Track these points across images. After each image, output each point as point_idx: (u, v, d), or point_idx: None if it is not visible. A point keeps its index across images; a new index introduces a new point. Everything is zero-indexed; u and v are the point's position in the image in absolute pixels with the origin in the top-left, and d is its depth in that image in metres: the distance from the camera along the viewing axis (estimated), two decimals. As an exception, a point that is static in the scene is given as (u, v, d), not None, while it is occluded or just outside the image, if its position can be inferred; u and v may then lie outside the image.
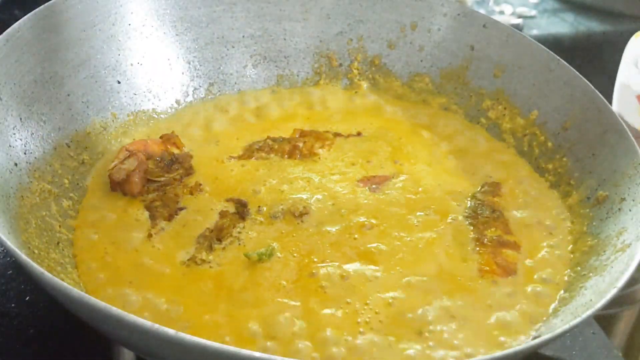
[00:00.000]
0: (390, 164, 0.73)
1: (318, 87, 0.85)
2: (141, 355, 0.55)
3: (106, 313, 0.41)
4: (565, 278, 0.61)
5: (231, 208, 0.66)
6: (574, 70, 0.74)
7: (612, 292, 0.50)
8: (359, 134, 0.78)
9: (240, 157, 0.73)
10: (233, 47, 0.83)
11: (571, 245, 0.64)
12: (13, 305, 0.62)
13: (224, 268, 0.60)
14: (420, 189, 0.70)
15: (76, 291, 0.43)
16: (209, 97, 0.82)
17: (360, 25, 0.85)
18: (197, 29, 0.81)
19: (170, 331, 0.40)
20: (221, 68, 0.83)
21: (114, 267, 0.59)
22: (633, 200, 0.61)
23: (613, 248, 0.58)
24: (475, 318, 0.56)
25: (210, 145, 0.75)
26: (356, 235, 0.63)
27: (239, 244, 0.62)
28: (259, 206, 0.66)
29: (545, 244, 0.64)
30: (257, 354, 0.40)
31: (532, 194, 0.71)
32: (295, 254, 0.61)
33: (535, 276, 0.61)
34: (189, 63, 0.81)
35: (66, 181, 0.66)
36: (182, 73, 0.80)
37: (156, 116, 0.78)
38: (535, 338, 0.55)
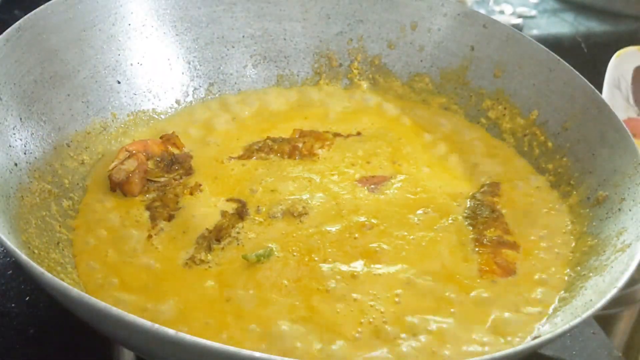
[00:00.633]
0: (389, 164, 0.73)
1: (318, 87, 0.85)
2: (141, 355, 0.55)
3: (106, 313, 0.41)
4: (565, 278, 0.61)
5: (231, 208, 0.66)
6: (574, 70, 0.74)
7: (612, 292, 0.50)
8: (358, 134, 0.78)
9: (240, 158, 0.73)
10: (233, 47, 0.83)
11: (571, 245, 0.64)
12: (13, 305, 0.62)
13: (223, 268, 0.60)
14: (419, 189, 0.70)
15: (76, 291, 0.43)
16: (209, 97, 0.82)
17: (360, 25, 0.85)
18: (197, 29, 0.81)
19: (170, 331, 0.40)
20: (221, 68, 0.83)
21: (114, 267, 0.59)
22: (633, 200, 0.61)
23: (613, 248, 0.58)
24: (475, 318, 0.56)
25: (210, 146, 0.75)
26: (357, 235, 0.63)
27: (238, 244, 0.62)
28: (258, 206, 0.66)
29: (545, 244, 0.64)
30: (257, 354, 0.40)
31: (532, 194, 0.71)
32: (295, 253, 0.61)
33: (535, 276, 0.61)
34: (189, 63, 0.81)
35: (66, 181, 0.66)
36: (182, 73, 0.80)
37: (156, 116, 0.78)
38: (535, 338, 0.55)
